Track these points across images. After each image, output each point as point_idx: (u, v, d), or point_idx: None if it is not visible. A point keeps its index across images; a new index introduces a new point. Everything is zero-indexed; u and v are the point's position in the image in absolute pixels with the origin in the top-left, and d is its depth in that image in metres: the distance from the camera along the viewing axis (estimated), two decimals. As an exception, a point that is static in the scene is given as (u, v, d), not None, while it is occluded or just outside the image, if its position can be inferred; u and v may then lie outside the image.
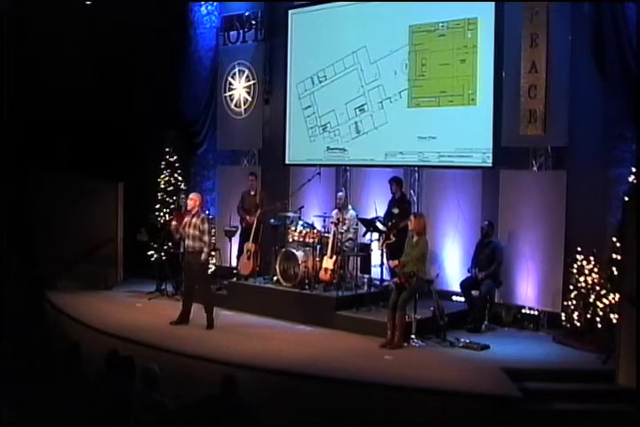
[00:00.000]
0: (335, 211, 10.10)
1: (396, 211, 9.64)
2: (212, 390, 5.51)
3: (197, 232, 9.00)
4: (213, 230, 12.41)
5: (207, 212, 12.91)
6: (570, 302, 8.50)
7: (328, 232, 9.81)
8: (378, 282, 9.59)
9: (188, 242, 9.06)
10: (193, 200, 9.17)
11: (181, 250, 10.92)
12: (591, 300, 8.25)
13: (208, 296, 9.35)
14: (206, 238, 9.04)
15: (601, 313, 8.13)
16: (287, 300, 9.72)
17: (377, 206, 9.81)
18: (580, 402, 6.97)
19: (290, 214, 10.35)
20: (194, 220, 9.05)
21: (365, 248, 9.76)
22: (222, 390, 5.28)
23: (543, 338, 8.66)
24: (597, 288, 8.23)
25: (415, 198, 10.23)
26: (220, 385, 5.32)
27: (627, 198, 7.73)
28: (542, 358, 7.85)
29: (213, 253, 10.93)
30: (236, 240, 11.09)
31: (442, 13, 9.69)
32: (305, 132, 11.27)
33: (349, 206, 10.13)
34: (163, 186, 12.33)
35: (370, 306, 9.21)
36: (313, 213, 10.68)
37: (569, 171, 8.80)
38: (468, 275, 9.18)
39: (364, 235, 9.87)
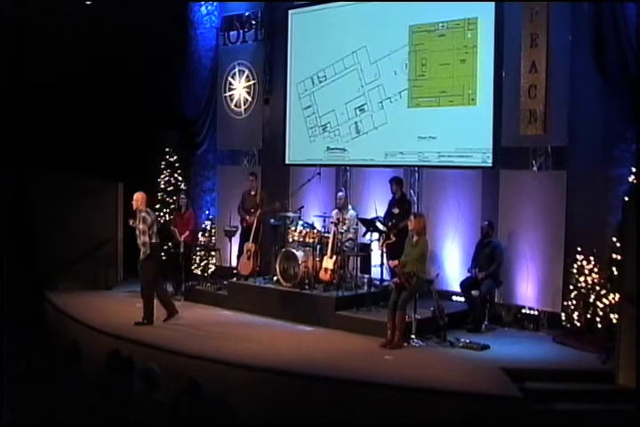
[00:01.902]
0: (335, 211, 10.10)
1: (396, 211, 9.64)
2: (212, 390, 5.50)
3: (137, 231, 9.23)
4: (213, 230, 12.49)
5: (207, 212, 12.98)
6: (570, 302, 8.50)
7: (328, 232, 9.81)
8: (378, 282, 9.58)
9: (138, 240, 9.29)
10: (135, 200, 9.31)
11: (181, 250, 10.98)
12: (591, 300, 8.26)
13: (145, 292, 9.42)
14: (143, 238, 9.14)
15: (601, 313, 8.13)
16: (287, 300, 9.72)
17: (377, 206, 9.81)
18: (580, 402, 6.98)
19: (290, 214, 10.35)
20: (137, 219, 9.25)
21: (365, 248, 9.76)
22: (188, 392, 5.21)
23: (543, 338, 8.65)
24: (597, 288, 8.24)
25: (415, 198, 10.22)
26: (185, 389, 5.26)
27: (627, 198, 7.73)
28: (542, 358, 7.85)
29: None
30: (236, 240, 11.09)
31: (442, 13, 9.69)
32: (305, 132, 11.27)
33: (349, 206, 10.14)
34: (163, 186, 12.36)
35: (370, 306, 9.20)
36: (313, 213, 10.68)
37: (569, 171, 8.80)
38: (468, 275, 9.17)
39: (364, 235, 9.87)
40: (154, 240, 9.24)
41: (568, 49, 8.64)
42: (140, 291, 9.55)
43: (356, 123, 10.66)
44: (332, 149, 10.95)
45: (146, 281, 9.39)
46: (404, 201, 9.75)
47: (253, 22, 11.88)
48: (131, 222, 9.46)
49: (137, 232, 9.26)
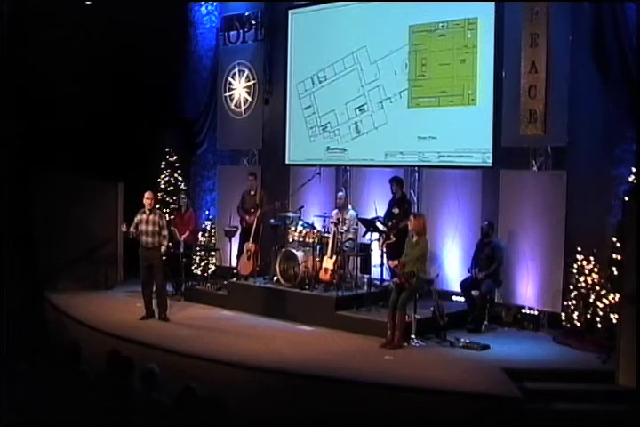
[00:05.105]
0: (335, 211, 10.10)
1: (396, 211, 9.63)
2: (211, 390, 5.50)
3: (157, 228, 9.40)
4: (213, 230, 12.51)
5: (207, 212, 12.98)
6: (570, 302, 8.51)
7: (328, 232, 9.81)
8: (378, 282, 9.58)
9: (147, 238, 9.44)
10: (150, 199, 9.51)
11: (181, 250, 10.98)
12: (591, 300, 8.27)
13: (164, 291, 9.74)
14: (165, 233, 9.46)
15: (601, 313, 8.15)
16: (287, 300, 9.72)
17: (377, 206, 9.81)
18: (580, 402, 6.97)
19: (290, 214, 10.35)
20: (151, 217, 9.43)
21: (365, 248, 9.76)
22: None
23: (543, 338, 8.66)
24: (597, 288, 8.25)
25: (415, 198, 10.22)
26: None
27: (627, 198, 7.73)
28: (542, 358, 7.85)
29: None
30: (236, 240, 11.09)
31: (442, 13, 9.69)
32: (305, 132, 11.27)
33: (349, 206, 10.13)
34: (163, 186, 12.36)
35: (370, 306, 9.20)
36: (313, 213, 10.68)
37: (569, 171, 8.80)
38: (468, 275, 9.18)
39: (364, 235, 9.87)
40: None
41: (568, 49, 8.65)
42: (157, 290, 9.65)
43: (355, 123, 10.66)
44: (332, 149, 10.95)
45: (163, 279, 9.64)
46: (404, 201, 9.75)
47: (253, 22, 11.88)
48: (123, 229, 9.59)
49: (155, 228, 9.38)
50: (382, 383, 7.02)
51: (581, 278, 8.40)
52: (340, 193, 10.31)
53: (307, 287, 9.71)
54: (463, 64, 9.55)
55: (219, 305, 10.43)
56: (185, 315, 9.98)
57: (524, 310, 9.21)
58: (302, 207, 10.52)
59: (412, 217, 8.52)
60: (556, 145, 8.93)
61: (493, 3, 9.25)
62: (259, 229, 10.58)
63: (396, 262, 8.53)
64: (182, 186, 12.50)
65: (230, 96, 12.27)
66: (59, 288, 11.31)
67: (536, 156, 9.13)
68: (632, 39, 8.10)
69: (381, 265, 9.41)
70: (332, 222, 9.76)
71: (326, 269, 9.58)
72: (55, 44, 11.35)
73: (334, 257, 9.54)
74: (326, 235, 9.80)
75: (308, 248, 9.87)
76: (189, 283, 11.16)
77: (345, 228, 9.74)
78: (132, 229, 9.51)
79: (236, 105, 12.18)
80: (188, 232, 11.16)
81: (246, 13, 11.96)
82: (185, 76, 13.01)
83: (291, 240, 10.15)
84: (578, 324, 8.42)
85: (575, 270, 8.48)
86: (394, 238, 9.34)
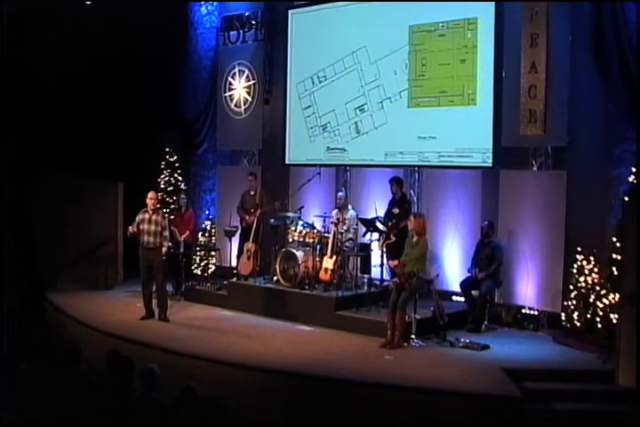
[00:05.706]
0: (335, 211, 10.10)
1: (396, 211, 9.63)
2: (211, 390, 5.50)
3: (159, 228, 9.42)
4: (213, 230, 12.52)
5: (207, 212, 12.99)
6: (570, 302, 8.51)
7: (328, 232, 9.81)
8: (378, 282, 9.58)
9: (148, 238, 9.44)
10: (153, 199, 9.54)
11: (181, 250, 10.98)
12: (591, 300, 8.27)
13: (164, 291, 9.75)
14: (166, 233, 9.50)
15: (601, 313, 8.15)
16: (287, 300, 9.72)
17: (377, 206, 9.81)
18: (580, 402, 6.97)
19: (290, 214, 10.34)
20: (153, 216, 9.45)
21: (365, 248, 9.76)
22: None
23: (543, 338, 8.65)
24: (597, 288, 8.25)
25: (415, 198, 10.22)
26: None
27: (627, 198, 7.73)
28: (542, 358, 7.85)
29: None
30: (236, 240, 11.09)
31: (442, 13, 9.69)
32: (305, 132, 11.27)
33: (349, 206, 10.13)
34: (163, 186, 12.36)
35: (370, 306, 9.20)
36: (313, 213, 10.68)
37: (569, 171, 8.80)
38: (468, 275, 9.17)
39: (364, 235, 9.87)
40: None
41: (568, 49, 8.65)
42: (157, 290, 9.65)
43: (356, 123, 10.66)
44: (332, 149, 10.95)
45: (163, 279, 9.64)
46: (404, 201, 9.75)
47: (253, 22, 11.88)
48: (130, 230, 9.56)
49: (158, 229, 9.39)
50: (382, 383, 7.02)
51: (581, 278, 8.40)
52: (340, 193, 10.31)
53: (307, 287, 9.71)
54: (463, 64, 9.55)
55: (219, 305, 10.43)
56: (185, 315, 9.98)
57: (524, 310, 9.21)
58: (302, 207, 10.52)
59: (412, 217, 8.52)
60: (556, 145, 8.93)
61: (493, 3, 9.25)
62: (259, 229, 10.57)
63: (395, 262, 8.52)
64: (182, 186, 12.51)
65: (230, 96, 12.27)
66: (59, 288, 11.31)
67: (536, 156, 9.13)
68: (632, 39, 8.10)
69: (381, 265, 9.41)
70: (332, 222, 9.76)
71: (326, 269, 9.58)
72: (55, 44, 11.35)
73: (334, 257, 9.54)
74: (326, 235, 9.80)
75: (308, 248, 9.87)
76: (189, 283, 11.15)
77: (345, 228, 9.74)
78: (134, 228, 9.49)
79: (236, 105, 12.18)
80: (187, 232, 11.16)
81: (246, 13, 11.97)
82: (185, 76, 13.01)
83: (291, 240, 10.15)
84: (578, 324, 8.42)
85: (575, 270, 8.48)
86: (394, 238, 9.34)
